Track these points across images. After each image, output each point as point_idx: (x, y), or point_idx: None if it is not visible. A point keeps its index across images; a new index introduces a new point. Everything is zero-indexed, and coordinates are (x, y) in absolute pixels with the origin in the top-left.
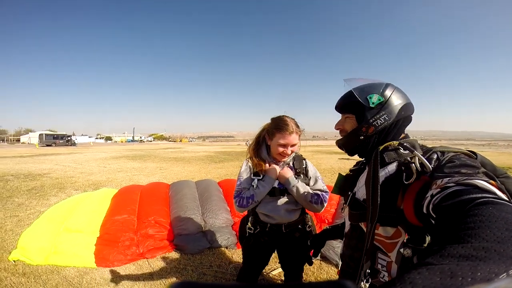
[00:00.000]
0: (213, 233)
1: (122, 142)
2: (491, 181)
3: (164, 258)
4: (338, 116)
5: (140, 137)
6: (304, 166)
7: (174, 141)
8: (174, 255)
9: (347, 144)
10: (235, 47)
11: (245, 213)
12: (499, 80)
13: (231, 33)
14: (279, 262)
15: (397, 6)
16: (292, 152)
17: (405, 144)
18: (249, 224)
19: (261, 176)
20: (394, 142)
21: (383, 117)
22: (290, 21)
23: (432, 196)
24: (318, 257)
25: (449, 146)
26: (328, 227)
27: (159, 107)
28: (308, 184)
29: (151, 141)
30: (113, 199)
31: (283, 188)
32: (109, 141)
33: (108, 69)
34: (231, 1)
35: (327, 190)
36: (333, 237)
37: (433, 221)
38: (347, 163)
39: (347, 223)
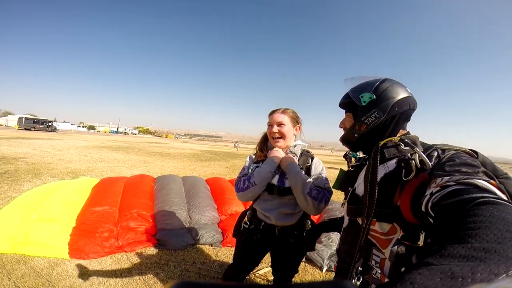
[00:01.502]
0: (198, 230)
1: (105, 132)
2: (491, 181)
3: (144, 253)
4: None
5: (125, 129)
6: (309, 164)
7: (160, 136)
8: (155, 250)
9: (345, 141)
10: (230, 46)
11: (247, 206)
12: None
13: (229, 34)
14: (271, 266)
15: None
16: (281, 133)
17: (406, 140)
18: (245, 218)
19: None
20: (395, 138)
21: (373, 115)
22: (289, 21)
23: (432, 194)
24: (304, 260)
25: (451, 144)
26: (326, 220)
27: (147, 100)
28: None
29: (136, 134)
30: (94, 189)
31: (283, 188)
32: (91, 130)
33: (97, 59)
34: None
35: (331, 190)
36: (330, 230)
37: (431, 220)
38: (334, 172)
39: (346, 218)
